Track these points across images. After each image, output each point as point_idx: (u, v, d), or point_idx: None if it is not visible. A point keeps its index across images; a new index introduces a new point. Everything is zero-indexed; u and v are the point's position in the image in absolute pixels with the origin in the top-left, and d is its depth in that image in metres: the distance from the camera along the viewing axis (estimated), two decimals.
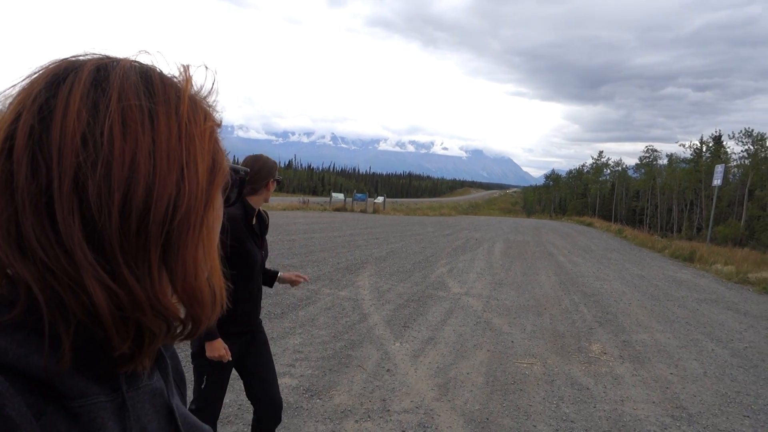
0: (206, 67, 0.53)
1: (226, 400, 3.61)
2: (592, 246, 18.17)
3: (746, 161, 50.08)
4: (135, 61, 0.48)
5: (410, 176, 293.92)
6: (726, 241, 32.70)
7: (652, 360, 5.23)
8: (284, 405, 3.60)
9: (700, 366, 5.17)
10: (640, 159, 67.52)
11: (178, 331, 0.49)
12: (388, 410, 3.66)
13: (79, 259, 0.40)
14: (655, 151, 66.34)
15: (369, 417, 3.54)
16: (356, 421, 3.48)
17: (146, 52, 0.50)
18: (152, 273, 0.44)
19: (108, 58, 0.47)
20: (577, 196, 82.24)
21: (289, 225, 17.53)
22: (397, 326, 5.80)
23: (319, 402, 3.72)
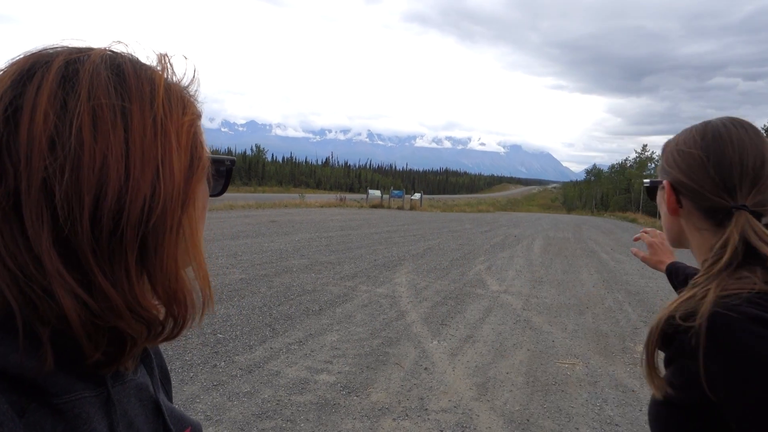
0: (185, 57, 0.51)
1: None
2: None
3: None
4: (108, 52, 0.46)
5: (447, 172, 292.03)
6: None
7: None
8: (322, 401, 3.62)
9: None
10: None
11: (159, 331, 0.48)
12: (426, 409, 3.62)
13: (47, 266, 0.39)
14: None
15: (406, 415, 3.51)
16: (394, 419, 3.46)
17: (121, 42, 0.48)
18: (130, 276, 0.43)
19: (79, 50, 0.45)
20: (620, 191, 79.85)
21: (326, 222, 17.68)
22: (435, 324, 5.74)
23: (356, 399, 3.72)
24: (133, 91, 0.44)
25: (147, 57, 0.49)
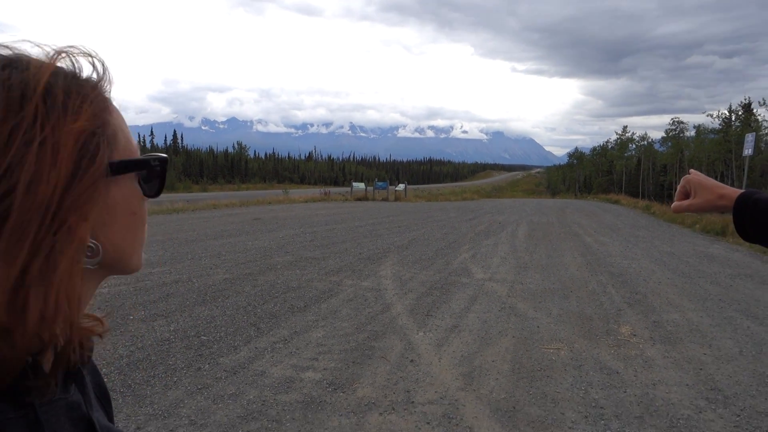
0: (91, 56, 0.47)
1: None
2: (619, 224, 17.80)
3: None
4: None
5: (431, 162, 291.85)
6: None
7: (684, 341, 5.08)
8: (308, 400, 3.60)
9: (736, 345, 4.99)
10: (666, 132, 65.76)
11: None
12: (413, 402, 3.62)
13: None
14: (682, 122, 64.54)
15: (393, 409, 3.51)
16: (380, 414, 3.45)
17: (5, 46, 0.45)
18: None
19: None
20: (602, 173, 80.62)
21: (310, 217, 17.59)
22: (420, 315, 5.74)
23: (342, 395, 3.70)
24: (1, 96, 0.41)
25: (39, 56, 0.45)
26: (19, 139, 0.40)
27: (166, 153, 0.56)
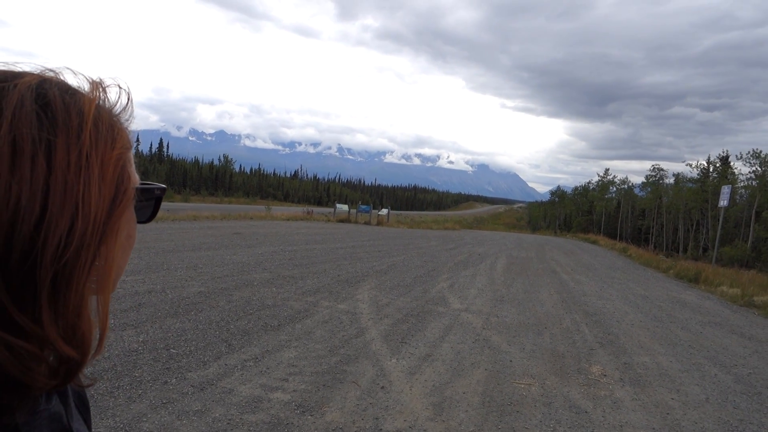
0: (120, 87, 0.50)
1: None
2: (596, 264, 18.03)
3: (754, 182, 49.78)
4: (37, 81, 0.44)
5: (415, 189, 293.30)
6: (732, 262, 32.44)
7: (653, 384, 5.13)
8: (275, 421, 3.54)
9: (702, 391, 5.06)
10: (647, 177, 67.42)
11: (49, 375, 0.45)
12: (380, 429, 3.58)
13: None
14: (662, 170, 66.29)
15: None
16: None
17: (52, 70, 0.47)
18: (41, 319, 0.41)
19: (5, 79, 0.43)
20: (583, 213, 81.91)
21: (291, 235, 17.50)
22: (395, 342, 5.72)
23: (310, 419, 3.65)
24: (59, 123, 0.42)
25: (79, 85, 0.48)
26: (83, 166, 0.43)
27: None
